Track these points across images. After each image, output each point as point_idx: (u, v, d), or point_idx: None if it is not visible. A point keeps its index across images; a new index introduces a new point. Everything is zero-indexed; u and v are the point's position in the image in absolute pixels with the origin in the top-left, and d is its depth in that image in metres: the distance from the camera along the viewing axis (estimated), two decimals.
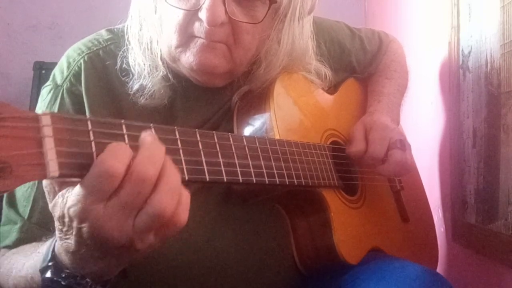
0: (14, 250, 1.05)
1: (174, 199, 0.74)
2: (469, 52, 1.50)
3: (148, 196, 0.71)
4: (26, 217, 1.09)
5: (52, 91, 1.16)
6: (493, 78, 1.38)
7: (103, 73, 1.17)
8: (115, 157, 0.68)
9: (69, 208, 0.72)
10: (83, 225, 0.72)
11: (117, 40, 1.20)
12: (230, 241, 1.14)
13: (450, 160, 1.64)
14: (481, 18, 1.44)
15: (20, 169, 0.59)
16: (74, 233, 0.74)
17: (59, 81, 1.17)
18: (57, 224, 0.77)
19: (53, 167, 0.63)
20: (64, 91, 1.15)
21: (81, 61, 1.18)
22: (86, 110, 1.13)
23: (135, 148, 0.72)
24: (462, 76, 1.55)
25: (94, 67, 1.17)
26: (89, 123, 0.69)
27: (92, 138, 0.69)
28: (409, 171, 1.35)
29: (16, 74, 2.42)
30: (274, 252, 1.19)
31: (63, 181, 0.75)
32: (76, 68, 1.17)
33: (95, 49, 1.20)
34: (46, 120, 0.64)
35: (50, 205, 0.77)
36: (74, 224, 0.73)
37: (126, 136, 0.74)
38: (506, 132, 1.32)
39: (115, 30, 1.24)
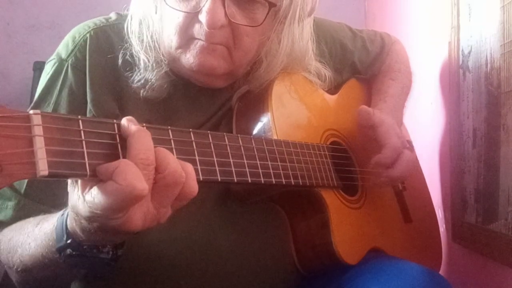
0: (12, 227, 1.05)
1: (179, 166, 0.77)
2: (469, 52, 1.50)
3: (153, 174, 0.74)
4: (22, 192, 1.08)
5: (56, 65, 1.16)
6: (493, 78, 1.37)
7: (108, 49, 1.17)
8: (141, 178, 0.70)
9: (88, 216, 0.75)
10: (106, 227, 0.76)
11: (124, 21, 1.19)
12: (229, 241, 1.14)
13: (450, 160, 1.64)
14: (481, 18, 1.43)
15: (10, 168, 0.60)
16: (94, 225, 0.77)
17: (63, 55, 1.16)
18: (70, 208, 0.80)
19: (42, 166, 0.63)
20: (69, 66, 1.14)
21: (87, 35, 1.17)
22: (87, 87, 1.13)
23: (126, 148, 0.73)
24: (462, 76, 1.55)
25: (99, 42, 1.17)
26: (80, 122, 0.70)
27: (83, 137, 0.69)
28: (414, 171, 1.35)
29: (16, 74, 2.42)
30: (273, 252, 1.19)
31: None
32: (82, 42, 1.16)
33: (102, 25, 1.20)
34: (36, 120, 0.64)
35: (73, 192, 0.78)
36: (95, 225, 0.77)
37: (117, 136, 0.74)
38: (506, 132, 1.31)
39: (123, 14, 1.24)
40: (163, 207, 0.77)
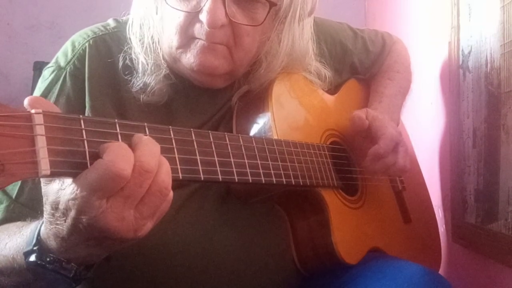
0: None
1: (171, 180, 0.77)
2: (469, 52, 1.50)
3: (149, 185, 0.74)
4: (13, 197, 1.07)
5: (54, 73, 1.15)
6: (493, 78, 1.37)
7: (108, 58, 1.17)
8: (124, 160, 0.70)
9: (68, 199, 0.72)
10: (82, 217, 0.73)
11: (122, 29, 1.19)
12: (229, 242, 1.14)
13: (450, 160, 1.64)
14: (481, 18, 1.43)
15: (12, 167, 0.60)
16: (69, 221, 0.75)
17: (62, 63, 1.16)
18: (48, 208, 0.77)
19: (44, 166, 0.63)
20: (67, 74, 1.14)
21: (86, 44, 1.17)
22: (86, 95, 1.13)
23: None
24: (462, 76, 1.55)
25: (98, 51, 1.17)
26: (82, 122, 0.70)
27: (85, 136, 0.69)
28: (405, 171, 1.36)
29: (16, 74, 2.43)
30: (274, 252, 1.19)
31: None
32: (81, 51, 1.16)
33: (101, 34, 1.20)
34: (38, 119, 0.64)
35: (43, 187, 0.77)
36: (71, 214, 0.73)
37: (119, 135, 0.74)
38: (506, 132, 1.31)
39: (121, 20, 1.24)
40: (143, 218, 0.76)
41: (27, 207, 1.06)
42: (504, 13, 1.31)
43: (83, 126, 0.69)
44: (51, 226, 0.79)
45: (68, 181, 0.72)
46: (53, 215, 0.77)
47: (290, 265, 1.22)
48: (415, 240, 1.49)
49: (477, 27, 1.45)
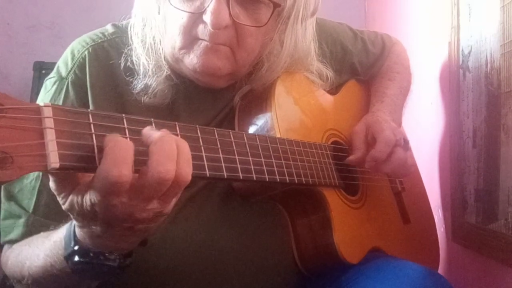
0: (21, 243, 1.05)
1: (191, 165, 0.78)
2: (469, 52, 1.50)
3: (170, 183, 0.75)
4: (31, 211, 1.08)
5: (57, 83, 1.16)
6: (493, 78, 1.37)
7: (107, 65, 1.17)
8: (119, 164, 0.69)
9: (90, 205, 0.74)
10: (109, 215, 0.75)
11: (121, 34, 1.20)
12: (231, 241, 1.14)
13: (450, 160, 1.64)
14: (481, 18, 1.44)
15: (21, 160, 0.60)
16: (100, 221, 0.77)
17: (63, 73, 1.16)
18: (78, 218, 0.80)
19: (54, 159, 0.63)
20: (69, 83, 1.15)
21: (86, 52, 1.17)
22: (89, 103, 1.13)
23: (136, 141, 0.73)
24: (462, 76, 1.55)
25: (98, 58, 1.17)
26: (90, 116, 0.70)
27: (93, 130, 0.69)
28: (409, 171, 1.35)
29: (16, 74, 2.43)
30: (275, 252, 1.19)
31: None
32: (81, 60, 1.16)
33: (99, 41, 1.20)
34: (47, 112, 0.64)
35: (63, 206, 0.78)
36: (100, 215, 0.76)
37: (126, 130, 0.74)
38: (506, 132, 1.31)
39: (120, 25, 1.24)
40: (167, 202, 0.78)
41: (46, 218, 1.07)
42: (504, 13, 1.31)
43: (91, 120, 0.69)
44: (85, 229, 0.82)
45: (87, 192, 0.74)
46: (83, 221, 0.79)
47: (291, 264, 1.22)
48: (414, 241, 1.49)
49: (477, 27, 1.46)
